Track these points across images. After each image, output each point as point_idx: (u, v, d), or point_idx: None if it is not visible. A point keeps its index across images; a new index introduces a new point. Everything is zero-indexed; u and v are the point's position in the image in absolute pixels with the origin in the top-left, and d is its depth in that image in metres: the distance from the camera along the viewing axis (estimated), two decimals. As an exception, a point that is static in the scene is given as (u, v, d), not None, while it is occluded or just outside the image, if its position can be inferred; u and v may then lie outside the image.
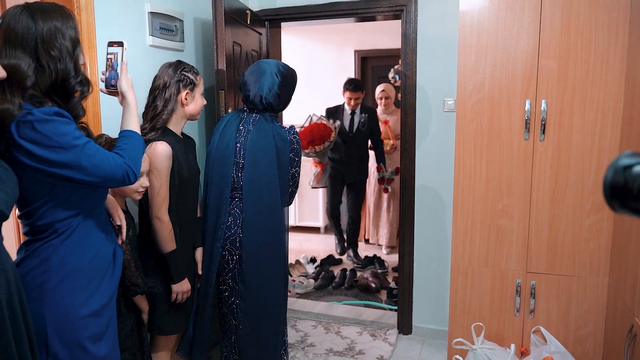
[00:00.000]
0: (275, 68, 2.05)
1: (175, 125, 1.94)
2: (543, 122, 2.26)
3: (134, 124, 1.44)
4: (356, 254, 4.42)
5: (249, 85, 2.05)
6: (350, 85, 4.11)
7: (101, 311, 1.39)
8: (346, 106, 4.19)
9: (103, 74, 1.49)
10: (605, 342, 2.27)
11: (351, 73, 5.63)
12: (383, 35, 5.37)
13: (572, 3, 2.17)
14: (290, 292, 3.60)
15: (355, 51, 5.76)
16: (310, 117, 3.79)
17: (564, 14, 2.19)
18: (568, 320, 2.33)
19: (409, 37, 2.84)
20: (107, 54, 1.47)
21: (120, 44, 1.46)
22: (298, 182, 2.13)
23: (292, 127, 2.11)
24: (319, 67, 5.71)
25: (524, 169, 2.32)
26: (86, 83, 1.34)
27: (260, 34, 3.02)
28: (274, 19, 3.10)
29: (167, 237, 1.84)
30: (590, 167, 2.24)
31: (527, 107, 2.27)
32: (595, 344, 2.30)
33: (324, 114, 4.05)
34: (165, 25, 2.43)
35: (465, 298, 2.47)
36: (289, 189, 2.09)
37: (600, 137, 2.21)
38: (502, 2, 2.26)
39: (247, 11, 2.80)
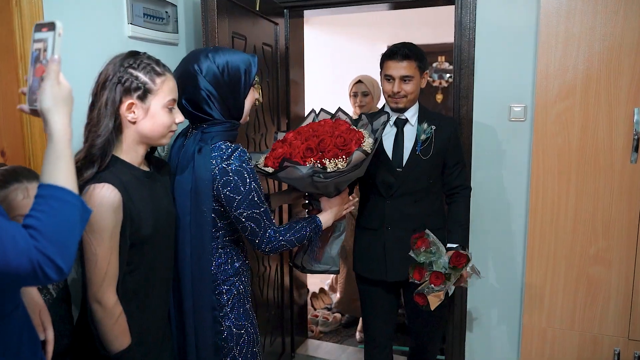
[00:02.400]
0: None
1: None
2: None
3: (63, 172, 0.84)
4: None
5: None
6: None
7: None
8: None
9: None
10: None
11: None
12: (417, 29, 4.73)
13: None
14: (312, 331, 3.05)
15: (388, 47, 5.14)
16: (314, 113, 1.90)
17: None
18: (688, 407, 1.72)
19: (465, 26, 2.20)
20: (34, 41, 0.92)
21: (52, 26, 0.89)
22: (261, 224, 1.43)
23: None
24: (349, 63, 5.11)
25: (628, 200, 1.71)
26: None
27: (277, 24, 2.46)
28: (294, 6, 2.52)
29: (113, 329, 1.17)
30: None
31: (635, 117, 1.66)
32: None
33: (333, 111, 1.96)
34: (152, 11, 1.90)
35: (541, 368, 1.88)
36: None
37: None
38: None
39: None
